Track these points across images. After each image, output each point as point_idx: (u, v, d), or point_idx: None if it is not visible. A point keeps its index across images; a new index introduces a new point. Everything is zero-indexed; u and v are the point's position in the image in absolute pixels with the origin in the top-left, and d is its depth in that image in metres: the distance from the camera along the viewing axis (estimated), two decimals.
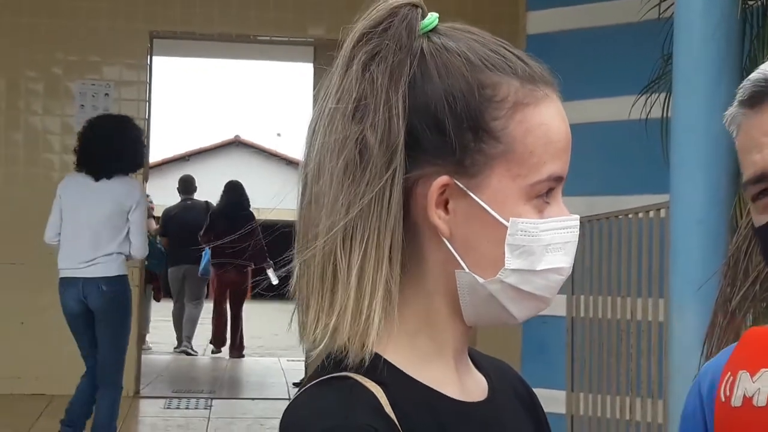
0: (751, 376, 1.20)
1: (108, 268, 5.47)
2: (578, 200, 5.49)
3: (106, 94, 7.65)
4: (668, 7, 4.32)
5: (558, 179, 1.03)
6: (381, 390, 0.98)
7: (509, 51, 1.04)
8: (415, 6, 1.03)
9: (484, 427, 1.06)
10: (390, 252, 0.99)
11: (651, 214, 4.92)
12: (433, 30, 1.04)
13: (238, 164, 27.97)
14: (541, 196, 1.02)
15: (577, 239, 1.05)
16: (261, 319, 15.69)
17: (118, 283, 5.50)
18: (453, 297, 1.04)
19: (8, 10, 7.60)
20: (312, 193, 1.02)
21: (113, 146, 5.47)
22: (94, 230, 5.44)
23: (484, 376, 1.13)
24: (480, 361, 1.15)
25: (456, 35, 1.04)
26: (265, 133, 29.48)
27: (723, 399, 1.23)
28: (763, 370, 1.19)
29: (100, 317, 5.47)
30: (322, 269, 1.00)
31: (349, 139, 0.99)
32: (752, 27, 3.94)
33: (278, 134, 29.58)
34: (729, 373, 1.24)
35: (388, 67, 1.00)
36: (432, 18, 1.04)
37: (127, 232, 5.50)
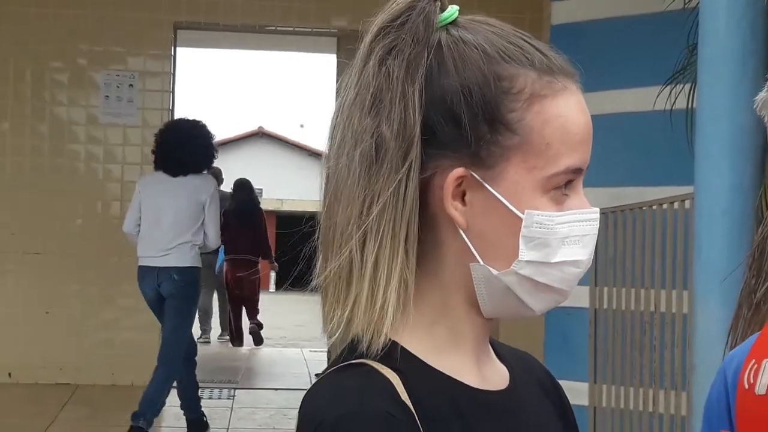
0: None
1: (182, 259, 5.95)
2: (603, 191, 5.47)
3: (131, 85, 7.69)
4: None
5: (577, 171, 1.02)
6: (397, 377, 0.99)
7: (528, 43, 1.04)
8: None
9: (503, 415, 1.06)
10: (406, 243, 1.00)
11: (676, 205, 4.89)
12: (453, 23, 1.04)
13: (262, 155, 28.05)
14: (560, 188, 1.02)
15: (596, 232, 1.04)
16: (284, 311, 15.74)
17: (190, 273, 5.99)
18: (470, 289, 1.04)
19: (33, 1, 7.64)
20: (332, 186, 1.03)
21: (189, 147, 6.02)
22: (172, 222, 5.94)
23: (507, 367, 1.13)
24: (503, 353, 1.15)
25: (475, 27, 1.04)
26: (289, 125, 29.56)
27: (746, 386, 1.23)
28: None
29: (169, 303, 5.97)
30: (340, 261, 1.01)
31: (366, 133, 1.00)
32: None
33: (301, 125, 29.65)
34: (753, 360, 1.23)
35: (405, 60, 1.01)
36: (452, 11, 1.04)
37: (201, 223, 5.98)
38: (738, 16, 3.71)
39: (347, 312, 1.01)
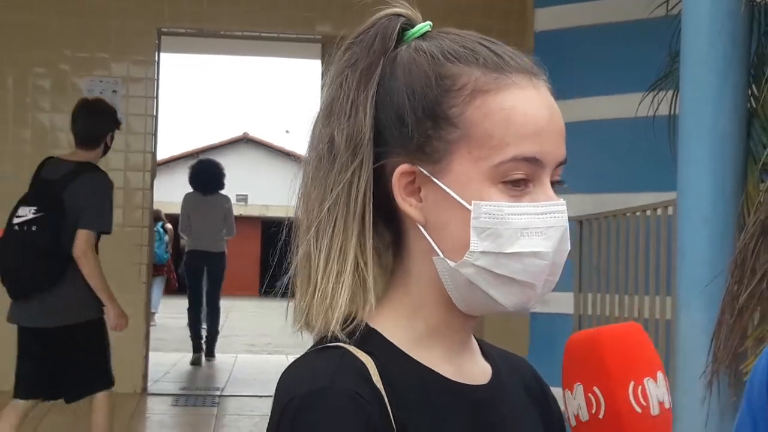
0: None
1: (218, 246, 9.87)
2: (586, 198, 5.49)
3: (114, 91, 7.67)
4: (676, 4, 4.31)
5: (531, 161, 1.03)
6: (371, 360, 1.03)
7: (484, 46, 1.08)
8: (397, 15, 1.11)
9: (476, 408, 1.08)
10: (360, 236, 1.06)
11: (658, 211, 4.91)
12: (423, 36, 1.10)
13: (247, 161, 27.99)
14: (513, 182, 1.03)
15: (563, 224, 1.05)
16: (270, 317, 15.71)
17: (223, 255, 9.95)
18: (440, 284, 1.07)
19: (17, 7, 7.62)
20: (299, 191, 1.12)
21: (214, 176, 9.87)
22: (210, 224, 9.68)
23: (491, 365, 1.15)
24: (491, 353, 1.17)
25: (437, 37, 1.10)
26: (274, 130, 29.55)
27: None
28: None
29: (210, 276, 9.94)
30: (302, 258, 1.09)
31: (321, 140, 1.09)
32: (759, 24, 3.93)
33: (287, 131, 29.65)
34: None
35: (359, 71, 1.08)
36: (421, 27, 1.11)
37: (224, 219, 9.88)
38: (720, 23, 3.74)
39: (305, 302, 1.07)
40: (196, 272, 9.89)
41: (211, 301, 10.01)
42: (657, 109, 4.53)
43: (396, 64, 1.08)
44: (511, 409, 1.13)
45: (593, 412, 1.00)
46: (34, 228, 4.73)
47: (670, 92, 4.37)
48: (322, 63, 7.77)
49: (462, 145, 1.04)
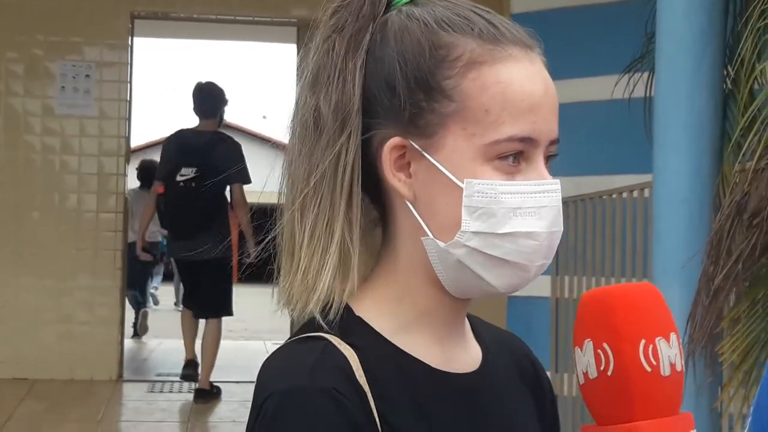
0: None
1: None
2: (563, 180, 5.45)
3: (87, 75, 7.58)
4: None
5: (526, 141, 1.00)
6: (354, 354, 0.99)
7: (478, 15, 1.03)
8: None
9: (463, 397, 1.05)
10: (348, 213, 1.01)
11: (635, 193, 4.90)
12: (411, 2, 1.04)
13: None
14: (507, 157, 0.99)
15: (557, 204, 1.02)
16: (246, 303, 15.66)
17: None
18: (428, 265, 1.03)
19: None
20: (284, 165, 1.06)
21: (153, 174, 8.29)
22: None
23: (482, 348, 1.11)
24: (482, 334, 1.13)
25: (428, 3, 1.04)
26: (251, 116, 29.38)
27: None
28: None
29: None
30: (287, 236, 1.04)
31: (307, 111, 1.03)
32: (735, 4, 3.92)
33: (264, 116, 29.48)
34: None
35: (346, 37, 1.02)
36: None
37: None
38: (695, 4, 3.72)
39: (287, 281, 1.03)
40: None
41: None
42: (633, 90, 4.52)
43: (387, 30, 1.03)
44: (500, 397, 1.09)
45: (602, 368, 0.98)
46: (193, 184, 6.41)
47: (646, 74, 4.36)
48: (298, 47, 7.71)
49: (457, 120, 0.99)
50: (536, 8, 6.05)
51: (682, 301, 3.65)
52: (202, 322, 7.01)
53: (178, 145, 6.70)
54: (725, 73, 3.85)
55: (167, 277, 14.14)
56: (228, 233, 6.45)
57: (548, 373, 5.94)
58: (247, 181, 6.53)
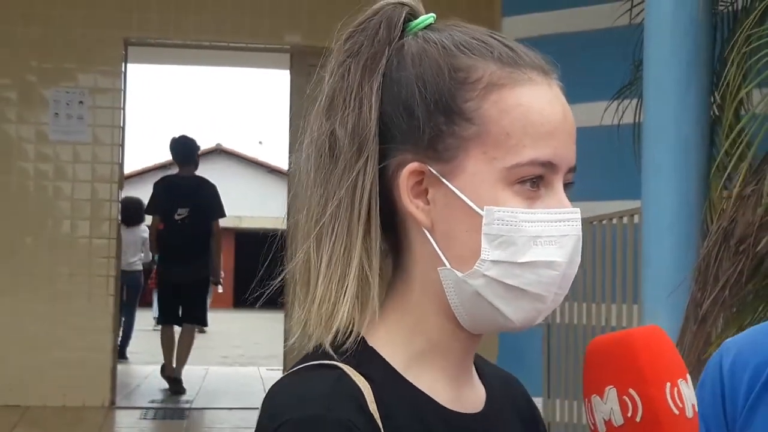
0: None
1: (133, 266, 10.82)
2: None
3: (81, 102, 7.60)
4: (639, 13, 4.33)
5: (546, 165, 0.98)
6: (368, 386, 0.96)
7: (495, 39, 1.02)
8: (402, 4, 1.04)
9: None
10: (365, 241, 0.98)
11: (624, 219, 4.91)
12: (427, 28, 1.04)
13: (220, 172, 27.85)
14: (526, 182, 0.97)
15: (578, 233, 0.99)
16: (241, 328, 15.64)
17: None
18: (443, 296, 1.00)
19: None
20: (294, 191, 1.04)
21: (136, 210, 10.09)
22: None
23: (486, 386, 1.09)
24: (484, 370, 1.12)
25: (444, 28, 1.03)
26: (247, 141, 29.45)
27: None
28: None
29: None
30: (298, 261, 1.01)
31: (322, 136, 1.01)
32: (722, 31, 3.95)
33: (260, 142, 29.54)
34: None
35: (362, 61, 1.01)
36: (425, 18, 1.04)
37: None
38: (682, 32, 3.75)
39: (304, 312, 1.00)
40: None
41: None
42: (622, 117, 4.54)
43: (403, 53, 1.01)
44: None
45: (629, 415, 0.96)
46: (188, 221, 8.11)
47: (635, 101, 4.38)
48: (291, 73, 7.73)
49: (477, 144, 0.97)
50: (525, 35, 6.07)
51: (670, 327, 3.65)
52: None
53: (170, 189, 8.25)
54: (712, 99, 3.87)
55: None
56: (211, 258, 8.37)
57: (541, 399, 5.91)
58: (224, 215, 8.48)
